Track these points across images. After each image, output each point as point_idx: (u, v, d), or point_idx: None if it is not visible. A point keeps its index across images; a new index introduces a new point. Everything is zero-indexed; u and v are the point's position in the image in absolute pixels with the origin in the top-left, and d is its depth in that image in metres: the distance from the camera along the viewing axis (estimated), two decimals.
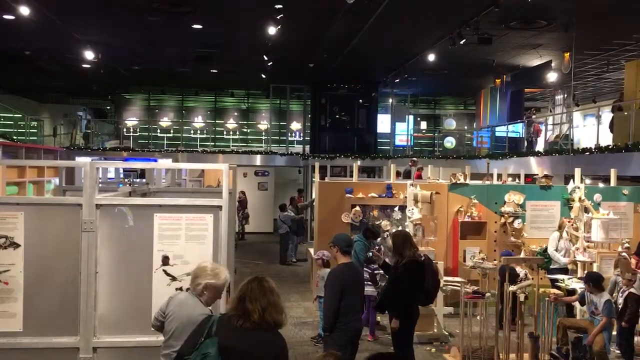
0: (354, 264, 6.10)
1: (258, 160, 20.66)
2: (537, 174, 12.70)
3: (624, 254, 8.56)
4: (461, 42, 13.00)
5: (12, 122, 18.89)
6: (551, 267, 9.15)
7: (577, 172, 9.74)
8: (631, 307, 7.14)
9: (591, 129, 18.60)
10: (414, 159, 12.46)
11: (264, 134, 24.58)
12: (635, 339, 7.84)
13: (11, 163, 11.76)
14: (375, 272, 8.42)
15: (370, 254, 8.11)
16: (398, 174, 15.17)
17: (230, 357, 3.37)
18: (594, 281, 7.13)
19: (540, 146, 18.46)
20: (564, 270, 9.03)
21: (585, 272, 8.36)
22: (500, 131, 20.81)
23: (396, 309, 6.23)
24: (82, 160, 15.23)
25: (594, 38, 14.28)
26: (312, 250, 11.24)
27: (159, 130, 24.12)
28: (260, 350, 3.40)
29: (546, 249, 9.29)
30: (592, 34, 13.85)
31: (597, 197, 9.59)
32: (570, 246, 9.14)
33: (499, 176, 11.78)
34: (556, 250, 9.10)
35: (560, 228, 9.24)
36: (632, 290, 7.23)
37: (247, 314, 3.42)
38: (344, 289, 5.48)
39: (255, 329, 3.41)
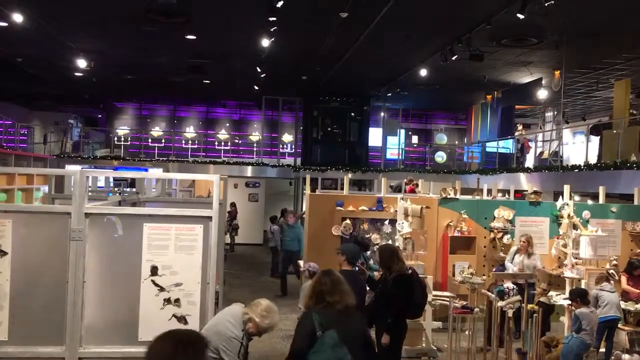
0: (354, 272, 6.22)
1: (249, 171, 20.65)
2: (527, 190, 12.79)
3: (611, 270, 8.60)
4: (453, 58, 13.13)
5: (1, 129, 18.77)
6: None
7: (567, 188, 9.78)
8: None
9: (580, 146, 18.79)
10: (412, 179, 12.56)
11: (255, 145, 24.57)
12: (624, 357, 7.88)
13: (0, 170, 11.66)
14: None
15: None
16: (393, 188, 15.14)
17: (346, 342, 3.99)
18: (579, 296, 7.08)
19: (529, 162, 18.59)
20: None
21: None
22: (491, 147, 20.95)
23: (386, 324, 6.21)
24: (72, 168, 15.14)
25: (584, 56, 14.46)
26: (301, 263, 11.20)
27: (150, 140, 24.03)
28: (359, 330, 4.29)
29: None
30: (582, 53, 14.04)
31: (586, 214, 9.63)
32: (531, 262, 8.80)
33: (489, 191, 11.83)
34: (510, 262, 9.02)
35: (521, 243, 9.10)
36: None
37: (332, 305, 4.11)
38: None
39: (349, 315, 4.17)
